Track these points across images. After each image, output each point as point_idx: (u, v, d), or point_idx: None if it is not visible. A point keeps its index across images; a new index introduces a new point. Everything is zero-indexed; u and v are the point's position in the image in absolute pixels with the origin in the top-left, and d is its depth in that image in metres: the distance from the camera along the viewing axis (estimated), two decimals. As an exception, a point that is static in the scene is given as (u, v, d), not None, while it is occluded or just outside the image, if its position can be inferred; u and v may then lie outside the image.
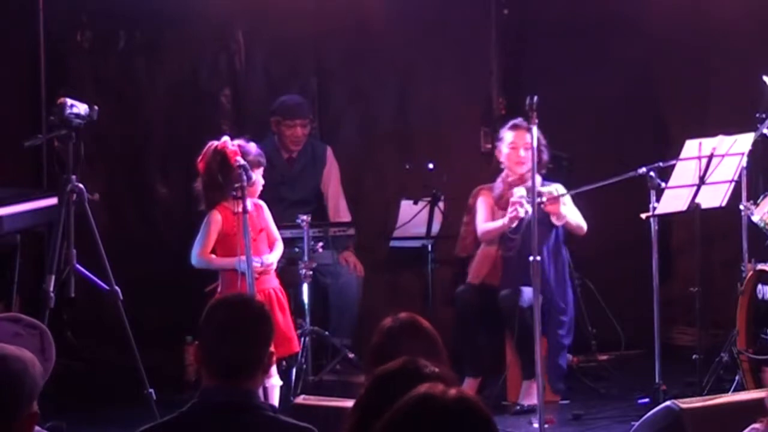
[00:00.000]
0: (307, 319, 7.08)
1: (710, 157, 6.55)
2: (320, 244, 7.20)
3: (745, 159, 6.71)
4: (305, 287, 7.03)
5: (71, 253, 5.99)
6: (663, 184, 6.61)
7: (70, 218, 6.02)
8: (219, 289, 6.21)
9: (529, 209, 6.75)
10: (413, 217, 7.71)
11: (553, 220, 7.09)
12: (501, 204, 7.20)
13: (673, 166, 6.65)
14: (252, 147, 6.26)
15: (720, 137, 6.61)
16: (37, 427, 3.06)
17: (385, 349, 3.43)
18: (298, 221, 7.03)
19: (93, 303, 7.10)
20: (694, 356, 6.64)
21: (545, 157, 7.16)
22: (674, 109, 8.58)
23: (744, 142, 6.66)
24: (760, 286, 6.67)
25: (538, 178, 7.13)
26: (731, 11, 8.26)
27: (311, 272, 7.05)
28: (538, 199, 6.49)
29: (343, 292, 7.73)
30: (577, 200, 7.17)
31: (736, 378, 6.72)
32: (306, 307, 7.07)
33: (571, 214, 7.12)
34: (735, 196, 6.81)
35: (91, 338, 7.89)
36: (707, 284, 7.01)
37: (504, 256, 7.19)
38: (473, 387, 7.07)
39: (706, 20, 8.35)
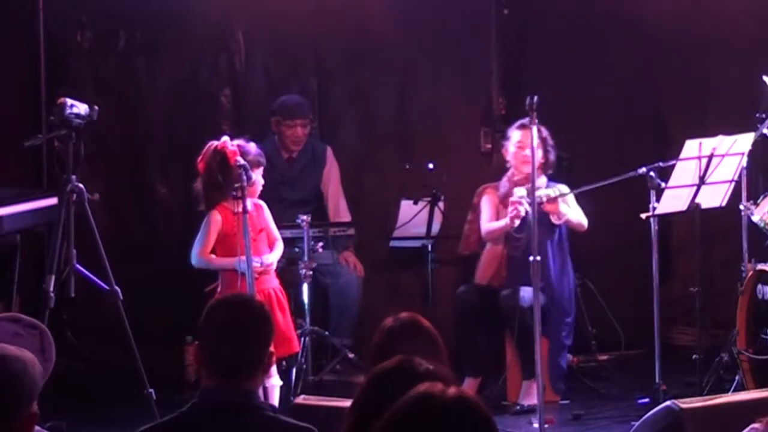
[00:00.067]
0: (307, 319, 7.08)
1: (710, 157, 6.55)
2: (320, 244, 7.20)
3: (745, 159, 6.72)
4: (305, 287, 7.03)
5: (71, 253, 5.99)
6: (663, 184, 6.61)
7: (70, 218, 6.02)
8: (219, 289, 6.20)
9: (529, 209, 6.76)
10: (413, 217, 7.71)
11: (553, 219, 7.09)
12: (506, 203, 7.21)
13: (673, 166, 6.65)
14: (252, 147, 6.26)
15: (720, 137, 6.61)
16: (37, 427, 3.06)
17: (385, 348, 3.43)
18: (298, 221, 7.03)
19: (93, 303, 7.11)
20: (694, 356, 6.64)
21: (552, 157, 7.17)
22: (674, 109, 8.58)
23: (744, 142, 6.66)
24: (760, 286, 6.67)
25: (544, 179, 7.17)
26: (731, 11, 8.27)
27: (311, 272, 7.05)
28: (538, 199, 6.50)
29: (343, 292, 7.73)
30: (577, 200, 7.18)
31: (736, 378, 6.72)
32: (306, 307, 7.07)
33: (571, 212, 7.13)
34: (735, 196, 6.81)
35: (91, 338, 7.89)
36: (707, 284, 7.01)
37: (510, 255, 7.19)
38: (473, 387, 7.07)
39: (706, 20, 8.35)
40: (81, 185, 6.07)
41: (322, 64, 8.53)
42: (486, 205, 7.36)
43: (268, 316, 3.56)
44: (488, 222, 7.31)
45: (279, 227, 6.47)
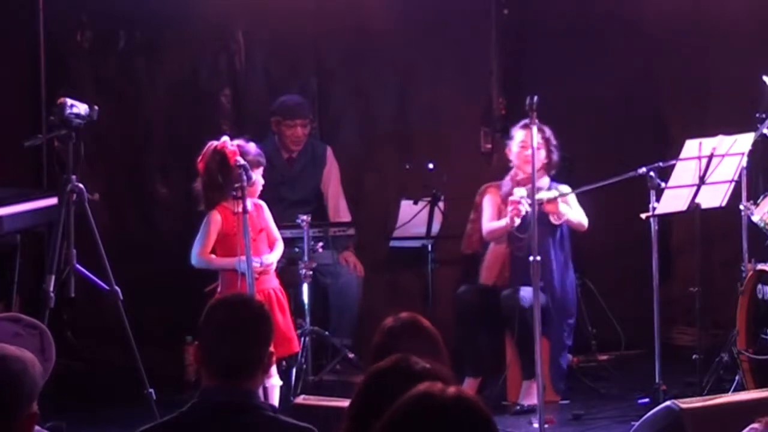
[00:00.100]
0: (307, 319, 7.08)
1: (710, 157, 6.55)
2: (320, 244, 7.20)
3: (745, 159, 6.72)
4: (305, 287, 7.03)
5: (71, 253, 5.99)
6: (663, 184, 6.61)
7: (70, 218, 6.02)
8: (219, 289, 6.20)
9: (529, 209, 6.76)
10: (413, 217, 7.71)
11: (552, 219, 7.10)
12: (508, 202, 7.21)
13: (673, 166, 6.65)
14: (251, 147, 6.26)
15: (720, 137, 6.61)
16: (37, 427, 3.06)
17: (385, 348, 3.42)
18: (298, 221, 7.03)
19: (93, 303, 7.11)
20: (694, 356, 6.64)
21: (555, 157, 7.18)
22: (674, 109, 8.58)
23: (744, 142, 6.66)
24: (760, 286, 6.67)
25: (547, 179, 7.17)
26: (731, 11, 8.27)
27: (311, 272, 7.05)
28: (537, 200, 6.50)
29: (343, 292, 7.73)
30: (578, 200, 7.18)
31: (736, 378, 6.72)
32: (306, 307, 7.07)
33: (572, 212, 7.13)
34: (735, 196, 6.81)
35: (91, 338, 7.89)
36: (707, 284, 7.01)
37: (513, 255, 7.19)
38: (473, 387, 7.07)
39: (706, 20, 8.35)
40: (81, 185, 6.07)
41: (322, 64, 8.52)
42: (488, 204, 7.36)
43: (268, 316, 3.56)
44: (489, 221, 7.32)
45: (279, 227, 6.47)
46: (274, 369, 5.89)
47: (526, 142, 7.07)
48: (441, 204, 7.66)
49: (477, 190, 7.53)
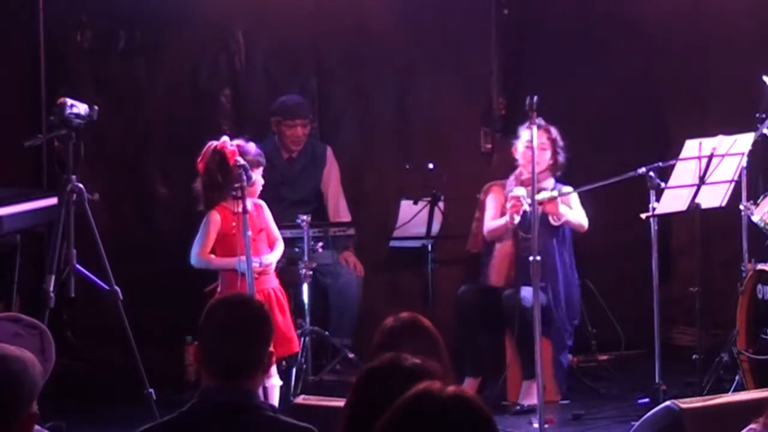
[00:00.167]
0: (307, 319, 7.09)
1: (710, 157, 6.56)
2: (320, 244, 7.20)
3: (745, 159, 6.72)
4: (305, 287, 7.03)
5: (71, 253, 5.99)
6: (663, 184, 6.61)
7: (70, 218, 6.02)
8: (219, 289, 6.20)
9: (529, 208, 6.76)
10: (413, 217, 7.71)
11: (552, 220, 7.09)
12: (508, 199, 7.21)
13: (673, 166, 6.65)
14: (251, 147, 6.26)
15: (720, 137, 6.61)
16: (37, 427, 3.06)
17: (386, 348, 3.42)
18: (298, 221, 7.03)
19: (93, 303, 7.11)
20: (694, 356, 6.64)
21: (561, 159, 7.18)
22: (674, 109, 8.58)
23: (744, 142, 6.66)
24: (760, 286, 6.67)
25: (551, 180, 7.17)
26: (731, 11, 8.26)
27: (311, 272, 7.05)
28: (538, 200, 6.50)
29: (343, 292, 7.73)
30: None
31: (736, 378, 6.72)
32: (306, 307, 7.07)
33: (571, 213, 7.13)
34: (735, 196, 6.81)
35: (91, 338, 7.89)
36: (707, 284, 7.01)
37: (519, 256, 7.17)
38: (473, 387, 7.07)
39: (706, 20, 8.35)
40: (81, 185, 6.07)
41: (322, 64, 8.52)
42: (491, 203, 7.36)
43: (268, 316, 3.56)
44: (492, 220, 7.31)
45: (279, 227, 6.47)
46: (274, 369, 5.89)
47: (532, 143, 7.07)
48: (441, 204, 7.66)
49: (477, 190, 7.54)
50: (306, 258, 7.02)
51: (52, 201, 6.47)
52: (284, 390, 6.35)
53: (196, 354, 3.59)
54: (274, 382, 6.03)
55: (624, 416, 6.70)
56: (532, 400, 6.76)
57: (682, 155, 6.61)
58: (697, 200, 6.62)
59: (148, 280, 7.79)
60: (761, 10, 8.15)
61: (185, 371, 7.49)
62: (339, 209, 7.91)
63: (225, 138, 6.19)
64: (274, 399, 5.94)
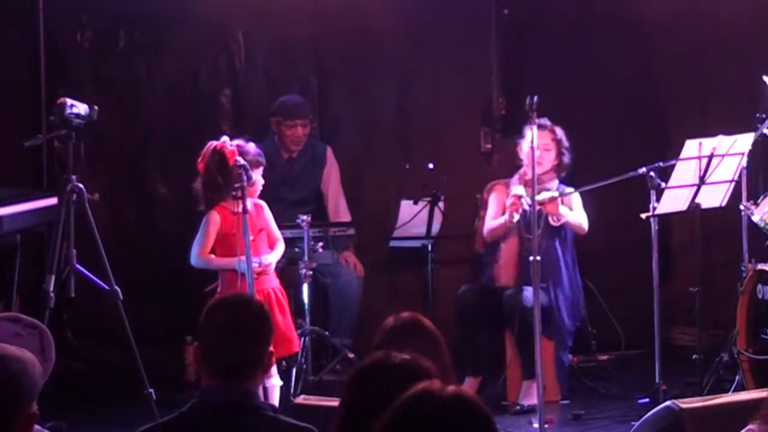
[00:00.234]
0: (307, 319, 7.09)
1: (710, 157, 6.56)
2: (320, 244, 7.20)
3: (745, 159, 6.71)
4: (305, 287, 7.04)
5: (71, 253, 5.99)
6: (663, 184, 6.61)
7: (70, 218, 6.02)
8: (219, 289, 6.21)
9: (528, 208, 6.76)
10: (413, 217, 7.71)
11: (551, 221, 7.09)
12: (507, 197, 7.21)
13: (673, 166, 6.65)
14: (251, 147, 6.26)
15: (720, 137, 6.61)
16: (37, 427, 3.06)
17: (386, 348, 3.43)
18: (298, 221, 7.03)
19: (93, 303, 7.11)
20: (694, 356, 6.64)
21: (566, 159, 7.17)
22: (674, 109, 8.57)
23: (744, 142, 6.66)
24: (760, 286, 6.67)
25: (556, 182, 7.17)
26: (731, 11, 8.26)
27: (311, 272, 7.05)
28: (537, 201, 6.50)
29: (343, 292, 7.73)
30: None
31: (736, 378, 6.72)
32: (306, 307, 7.07)
33: (571, 214, 7.13)
34: (735, 196, 6.81)
35: (91, 338, 7.89)
36: (707, 284, 7.01)
37: (522, 256, 7.16)
38: (473, 386, 7.07)
39: (706, 20, 8.35)
40: (81, 185, 6.07)
41: (322, 64, 8.52)
42: (493, 202, 7.36)
43: (268, 316, 3.56)
44: (492, 219, 7.31)
45: (279, 227, 6.47)
46: (274, 369, 5.89)
47: (538, 143, 7.07)
48: (441, 204, 7.66)
49: (477, 190, 7.54)
50: (306, 258, 7.02)
51: (52, 201, 6.47)
52: (284, 390, 6.35)
53: (196, 354, 3.59)
54: (275, 382, 6.03)
55: (624, 416, 6.70)
56: (532, 400, 6.76)
57: (682, 155, 6.61)
58: (697, 200, 6.62)
59: (148, 280, 7.79)
60: (761, 10, 8.15)
61: (185, 371, 7.49)
62: (339, 209, 7.91)
63: (225, 138, 6.19)
64: (275, 399, 5.95)
